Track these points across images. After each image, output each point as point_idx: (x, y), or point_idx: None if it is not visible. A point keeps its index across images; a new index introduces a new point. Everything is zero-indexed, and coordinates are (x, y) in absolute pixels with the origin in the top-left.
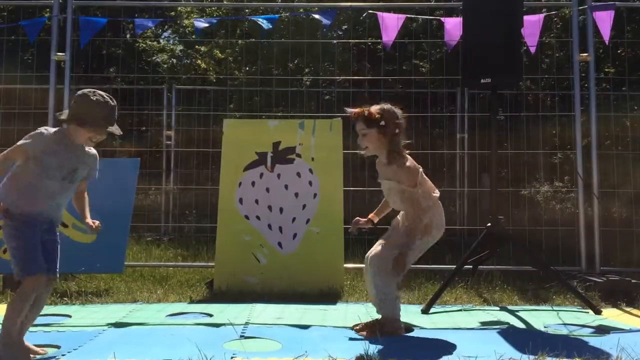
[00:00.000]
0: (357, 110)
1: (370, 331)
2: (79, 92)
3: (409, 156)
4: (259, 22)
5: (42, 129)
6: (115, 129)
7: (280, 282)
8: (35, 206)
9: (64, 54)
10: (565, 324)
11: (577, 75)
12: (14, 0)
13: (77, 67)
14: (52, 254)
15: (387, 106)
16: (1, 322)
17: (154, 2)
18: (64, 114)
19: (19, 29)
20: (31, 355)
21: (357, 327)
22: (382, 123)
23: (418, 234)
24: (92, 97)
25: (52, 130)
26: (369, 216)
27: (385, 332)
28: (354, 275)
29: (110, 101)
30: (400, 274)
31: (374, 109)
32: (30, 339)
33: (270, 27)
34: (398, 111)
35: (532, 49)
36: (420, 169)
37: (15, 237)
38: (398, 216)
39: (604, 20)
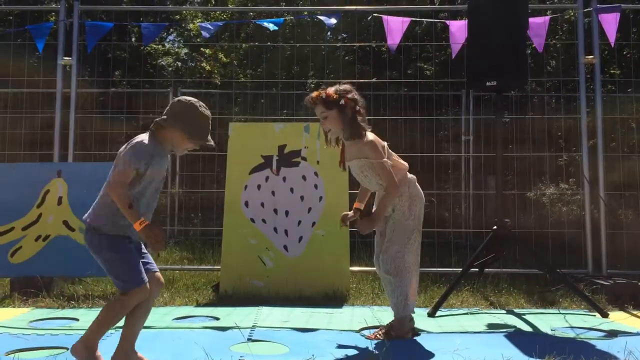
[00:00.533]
0: (314, 94)
1: (379, 334)
2: (183, 101)
3: (371, 133)
4: (265, 25)
5: (141, 140)
6: (211, 140)
7: (286, 286)
8: (129, 225)
9: (70, 58)
10: (572, 327)
11: (583, 78)
12: (20, 5)
13: (83, 71)
14: (146, 255)
15: (342, 86)
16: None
17: (159, 7)
18: (168, 121)
19: (26, 33)
20: None
21: (371, 336)
22: (342, 102)
23: (406, 211)
24: (200, 109)
25: (147, 138)
26: (354, 206)
27: (393, 335)
28: (359, 278)
29: (209, 112)
30: (413, 270)
31: (331, 90)
32: (38, 342)
33: (276, 28)
34: (354, 90)
35: (540, 48)
36: (385, 144)
37: (113, 251)
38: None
39: (610, 22)
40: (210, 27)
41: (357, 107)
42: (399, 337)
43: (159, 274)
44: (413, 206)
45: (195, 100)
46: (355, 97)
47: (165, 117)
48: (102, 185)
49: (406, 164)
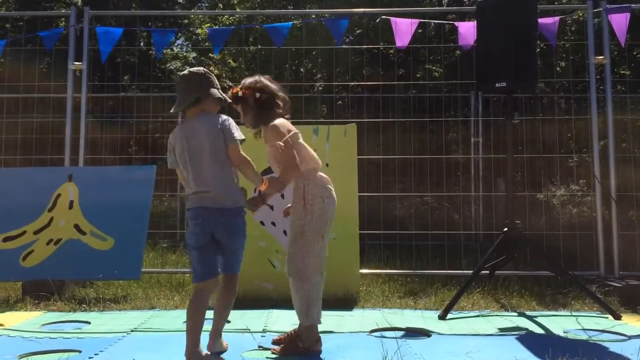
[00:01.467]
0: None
1: (287, 346)
2: (193, 72)
3: (283, 119)
4: (274, 43)
5: (226, 116)
6: (222, 94)
7: None
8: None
9: (80, 63)
10: (584, 330)
11: (593, 78)
12: (31, 11)
13: (93, 76)
14: None
15: (248, 79)
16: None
17: (168, 12)
18: (216, 95)
19: (36, 39)
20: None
21: (276, 339)
22: (240, 94)
23: (300, 209)
24: (206, 74)
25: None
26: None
27: (300, 347)
28: (369, 280)
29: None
30: (317, 274)
31: (238, 87)
32: (51, 345)
33: (285, 35)
34: (262, 79)
35: (553, 44)
36: (294, 131)
37: (245, 233)
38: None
39: (620, 23)
40: (219, 37)
41: (258, 95)
42: (306, 349)
43: None
44: (310, 206)
45: (200, 68)
46: (258, 86)
47: (196, 91)
48: (112, 188)
49: (319, 161)
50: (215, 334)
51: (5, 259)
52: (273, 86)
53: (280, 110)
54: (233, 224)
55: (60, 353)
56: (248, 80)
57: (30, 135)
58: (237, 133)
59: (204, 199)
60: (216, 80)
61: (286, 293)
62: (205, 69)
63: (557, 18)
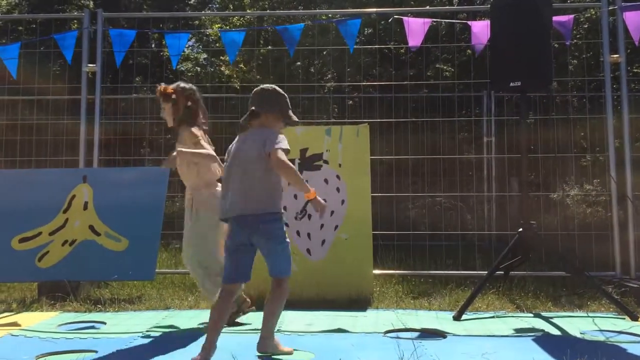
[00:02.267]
0: (158, 88)
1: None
2: (265, 89)
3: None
4: (285, 45)
5: (273, 128)
6: (294, 116)
7: (310, 289)
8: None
9: (94, 65)
10: (601, 331)
11: (609, 77)
12: (44, 14)
13: (105, 77)
14: None
15: (182, 84)
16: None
17: (179, 13)
18: (264, 109)
19: (50, 41)
20: None
21: None
22: (174, 96)
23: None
24: (280, 91)
25: (268, 127)
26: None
27: None
28: (382, 281)
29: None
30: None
31: (170, 86)
32: (67, 345)
33: (297, 38)
34: (193, 89)
35: (567, 42)
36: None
37: (284, 237)
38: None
39: (635, 21)
40: (233, 44)
41: (189, 103)
42: None
43: None
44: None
45: (271, 85)
46: (190, 94)
47: (257, 106)
48: (126, 189)
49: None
50: (265, 335)
51: (21, 260)
52: (200, 99)
53: (202, 120)
54: (267, 229)
55: (77, 353)
56: (183, 86)
57: (44, 137)
58: (282, 143)
59: (234, 210)
60: (286, 100)
61: (299, 294)
62: (274, 87)
63: (571, 16)
